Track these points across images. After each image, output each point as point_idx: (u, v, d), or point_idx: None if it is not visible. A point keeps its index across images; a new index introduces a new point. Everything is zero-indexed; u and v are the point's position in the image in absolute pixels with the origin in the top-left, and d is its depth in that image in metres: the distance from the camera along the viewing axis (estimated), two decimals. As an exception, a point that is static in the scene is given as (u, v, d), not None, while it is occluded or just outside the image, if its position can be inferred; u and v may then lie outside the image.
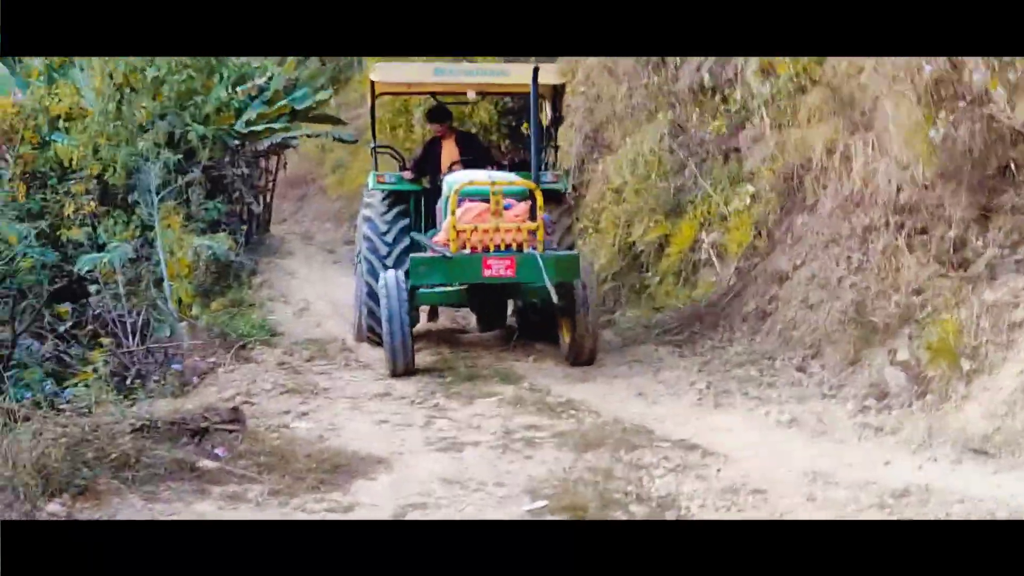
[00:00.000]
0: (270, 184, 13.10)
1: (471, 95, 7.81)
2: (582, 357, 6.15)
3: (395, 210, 6.89)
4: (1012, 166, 3.79)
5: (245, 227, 11.64)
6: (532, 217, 6.04)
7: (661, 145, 8.22)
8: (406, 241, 6.62)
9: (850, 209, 4.92)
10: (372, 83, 7.13)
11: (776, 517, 2.82)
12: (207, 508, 2.92)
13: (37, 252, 7.40)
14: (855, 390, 4.10)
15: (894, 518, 2.68)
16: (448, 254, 5.89)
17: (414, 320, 6.36)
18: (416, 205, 6.98)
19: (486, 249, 5.93)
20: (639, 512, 2.97)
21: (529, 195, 6.13)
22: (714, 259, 6.98)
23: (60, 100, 9.27)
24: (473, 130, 9.70)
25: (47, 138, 9.13)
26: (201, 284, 8.95)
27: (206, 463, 3.36)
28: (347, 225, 12.99)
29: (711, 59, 7.86)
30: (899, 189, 4.34)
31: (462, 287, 6.19)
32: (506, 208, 6.09)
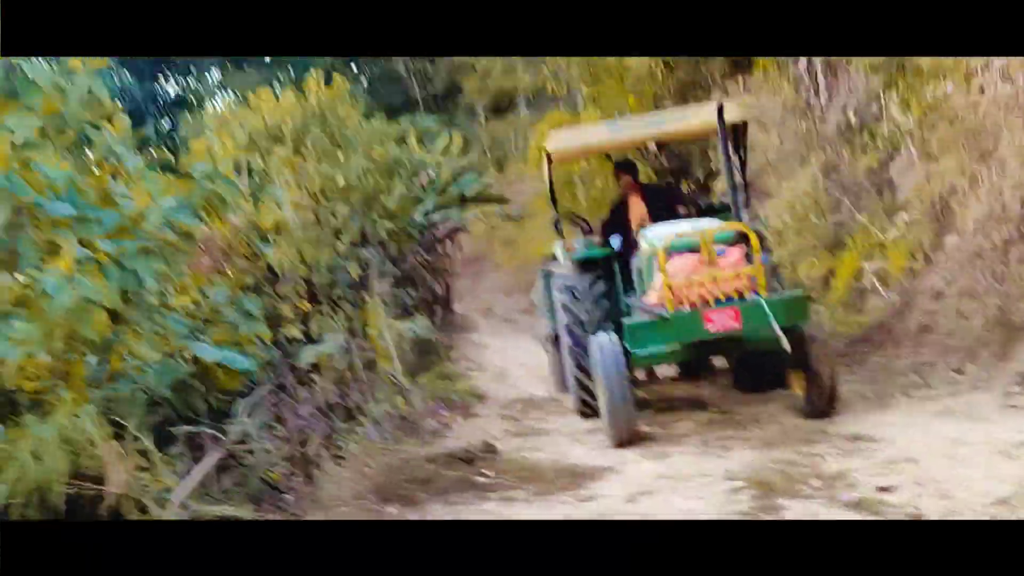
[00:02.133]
0: (449, 267, 14.97)
1: (651, 146, 7.98)
2: (822, 407, 5.73)
3: (589, 276, 6.77)
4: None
5: (434, 308, 13.45)
6: (748, 261, 5.80)
7: (816, 186, 9.25)
8: (606, 305, 6.54)
9: (990, 227, 5.90)
10: (547, 154, 7.01)
11: (922, 480, 3.90)
12: (491, 507, 4.39)
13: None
14: (1003, 381, 5.07)
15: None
16: (665, 314, 5.69)
17: (634, 386, 6.12)
18: (608, 271, 6.86)
19: (705, 302, 5.72)
20: (816, 484, 4.14)
21: (741, 238, 5.94)
22: (877, 285, 7.90)
23: (264, 216, 11.24)
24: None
25: (258, 251, 11.08)
26: (407, 364, 10.68)
27: (479, 479, 4.87)
28: (521, 295, 14.59)
29: (855, 98, 8.89)
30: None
31: (681, 346, 5.96)
32: (719, 255, 5.86)
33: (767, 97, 10.17)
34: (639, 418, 5.90)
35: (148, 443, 4.30)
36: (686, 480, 4.53)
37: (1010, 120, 5.47)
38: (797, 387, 5.98)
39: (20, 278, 4.85)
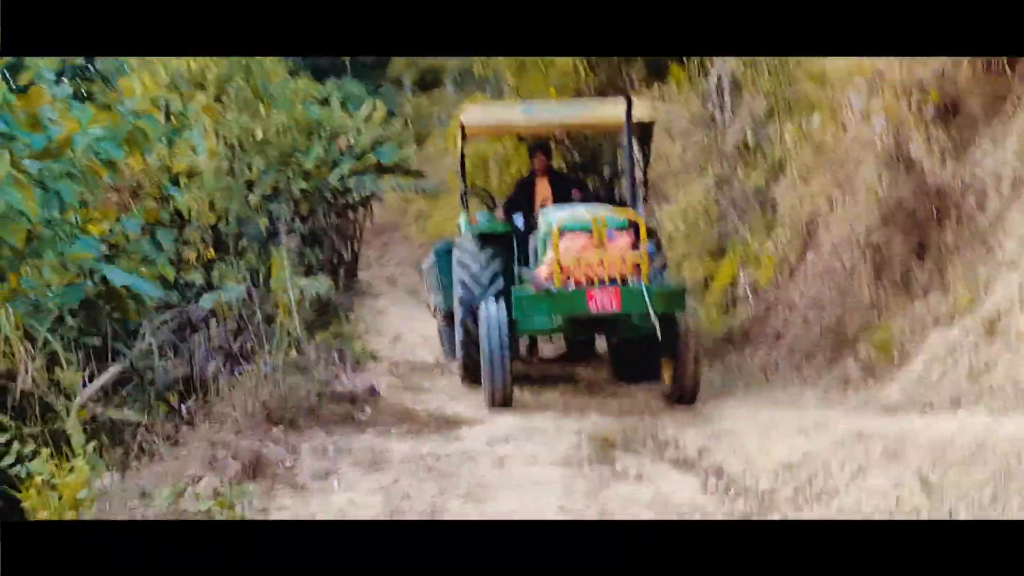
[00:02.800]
0: (358, 233, 15.42)
1: (562, 137, 8.50)
2: (685, 394, 6.36)
3: (488, 251, 7.20)
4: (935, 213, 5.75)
5: (339, 271, 13.93)
6: (635, 249, 6.30)
7: (708, 196, 10.20)
8: (500, 283, 6.92)
9: (842, 248, 6.89)
10: (461, 125, 7.46)
11: (735, 447, 4.75)
12: (368, 439, 5.07)
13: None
14: (827, 379, 6.05)
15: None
16: (552, 288, 6.20)
17: (514, 353, 6.64)
18: (507, 246, 7.29)
19: (590, 282, 6.19)
20: (650, 445, 4.96)
21: (631, 226, 6.43)
22: (748, 292, 8.87)
23: (178, 160, 11.48)
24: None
25: (168, 192, 11.36)
26: (305, 320, 11.16)
27: (360, 415, 5.54)
28: (428, 270, 15.20)
29: (750, 119, 9.83)
30: (867, 232, 6.32)
31: (563, 320, 6.51)
32: (608, 239, 6.35)
33: (678, 107, 11.06)
34: (515, 385, 6.38)
35: (58, 347, 4.79)
36: (541, 432, 5.30)
37: (866, 155, 6.43)
38: (666, 375, 6.56)
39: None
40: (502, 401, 6.34)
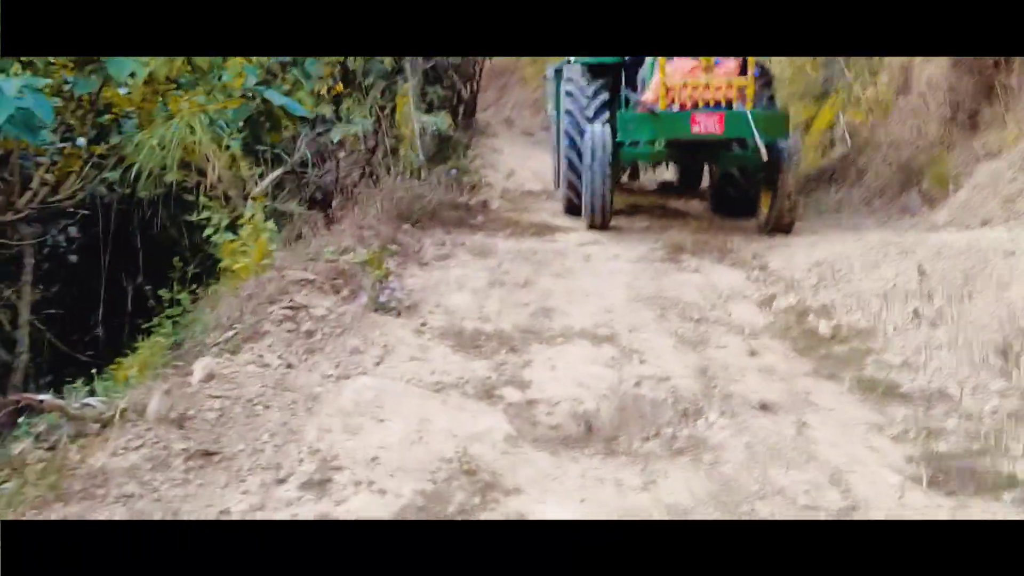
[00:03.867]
0: (478, 74, 16.45)
1: None
2: (782, 222, 6.67)
3: (596, 83, 7.42)
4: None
5: (459, 110, 15.09)
6: (743, 74, 6.53)
7: (817, 39, 10.76)
8: (606, 115, 7.15)
9: (927, 92, 7.60)
10: None
11: (785, 260, 5.80)
12: (479, 237, 6.38)
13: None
14: (891, 209, 6.97)
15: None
16: (656, 109, 6.49)
17: (616, 178, 7.06)
18: (615, 75, 7.48)
19: (695, 105, 6.46)
20: (714, 252, 6.08)
21: None
22: (846, 135, 9.60)
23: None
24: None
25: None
26: (427, 153, 12.48)
27: (474, 221, 6.87)
28: (543, 113, 16.20)
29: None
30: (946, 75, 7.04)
31: (665, 145, 6.84)
32: (716, 65, 6.57)
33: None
34: (612, 211, 6.82)
35: (238, 149, 6.26)
36: (627, 239, 6.50)
37: None
38: (764, 205, 6.88)
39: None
40: (600, 223, 6.83)
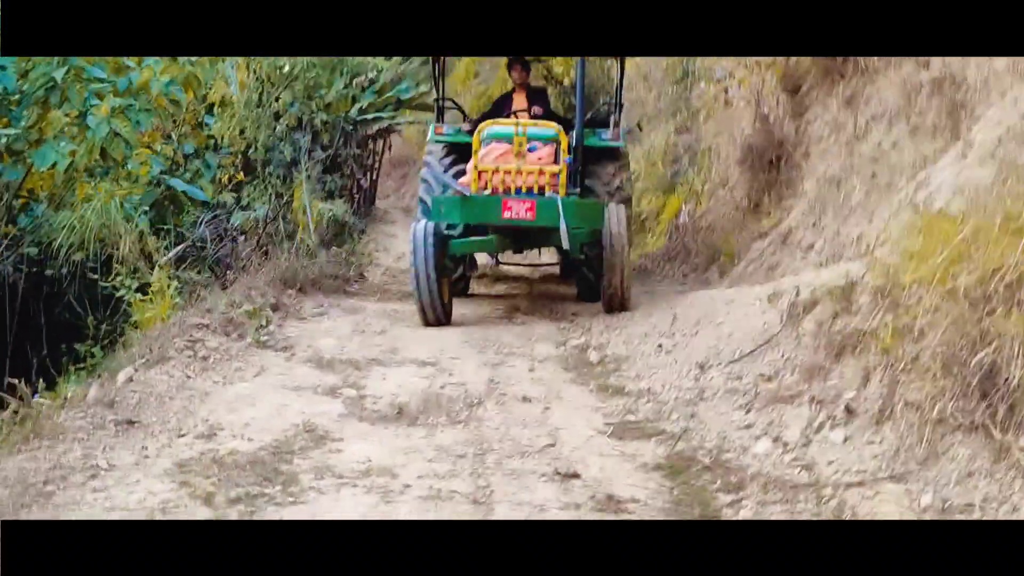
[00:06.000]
0: (377, 163, 18.46)
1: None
2: (612, 305, 7.30)
3: (450, 159, 8.10)
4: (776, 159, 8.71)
5: (357, 198, 16.99)
6: (556, 161, 7.02)
7: (668, 141, 13.15)
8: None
9: (736, 186, 9.86)
10: None
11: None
12: (353, 302, 8.25)
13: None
14: (697, 279, 9.09)
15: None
16: (468, 193, 6.95)
17: (446, 269, 7.28)
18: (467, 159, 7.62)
19: (507, 191, 6.94)
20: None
21: (556, 139, 7.16)
22: (688, 222, 11.84)
23: (214, 92, 14.39)
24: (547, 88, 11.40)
25: (203, 121, 14.34)
26: (324, 238, 14.28)
27: (350, 288, 8.77)
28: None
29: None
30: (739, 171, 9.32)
31: (494, 234, 7.32)
32: (531, 151, 7.09)
33: (659, 60, 13.96)
34: (449, 307, 7.33)
35: (146, 227, 8.07)
36: (477, 304, 8.44)
37: (745, 113, 9.37)
38: (603, 285, 7.45)
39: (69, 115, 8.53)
40: (435, 320, 7.19)
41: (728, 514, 3.93)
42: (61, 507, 3.70)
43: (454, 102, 10.05)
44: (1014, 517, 3.55)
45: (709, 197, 11.13)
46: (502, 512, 3.82)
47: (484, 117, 8.46)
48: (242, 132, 13.29)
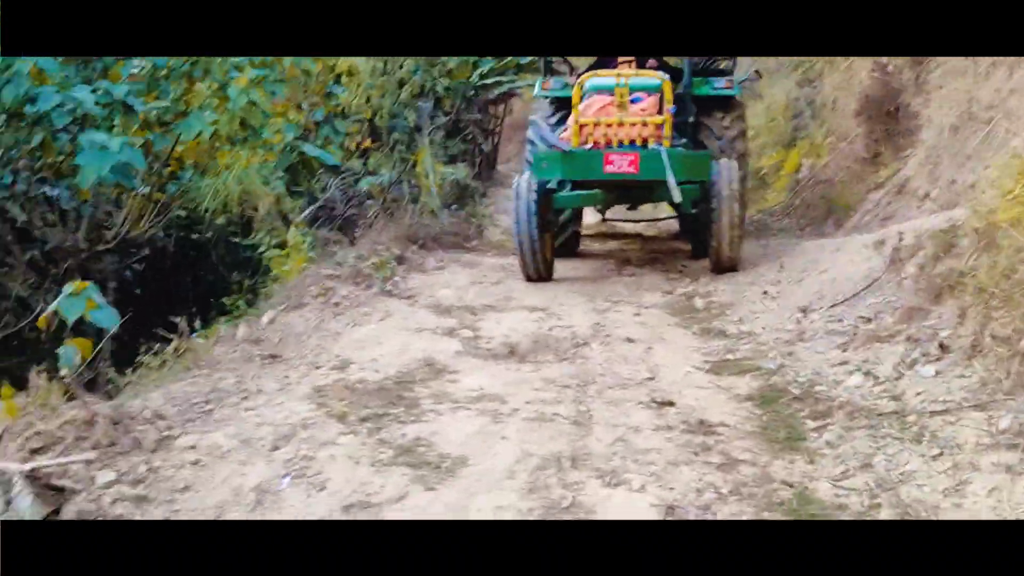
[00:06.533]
0: (498, 128, 19.00)
1: None
2: (720, 265, 7.24)
3: (559, 115, 8.00)
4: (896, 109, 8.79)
5: (479, 162, 17.60)
6: (661, 113, 6.84)
7: (788, 96, 13.21)
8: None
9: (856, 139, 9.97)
10: None
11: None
12: (471, 257, 8.82)
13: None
14: (813, 231, 9.28)
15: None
16: (567, 149, 6.79)
17: (549, 224, 7.29)
18: None
19: (609, 144, 6.80)
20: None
21: (659, 89, 7.01)
22: (808, 177, 11.95)
23: (340, 62, 15.11)
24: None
25: (330, 90, 15.10)
26: (446, 200, 14.94)
27: (468, 245, 9.34)
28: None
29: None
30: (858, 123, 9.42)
31: (601, 188, 7.22)
32: (634, 102, 6.94)
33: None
34: (551, 261, 7.41)
35: (282, 189, 8.83)
36: (588, 262, 8.87)
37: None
38: (710, 242, 7.39)
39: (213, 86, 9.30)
40: (536, 275, 7.27)
41: (813, 437, 4.28)
42: (220, 422, 4.38)
43: (565, 59, 9.76)
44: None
45: (829, 151, 11.19)
46: (600, 434, 4.28)
47: (592, 67, 8.34)
48: (368, 100, 14.03)
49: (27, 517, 3.43)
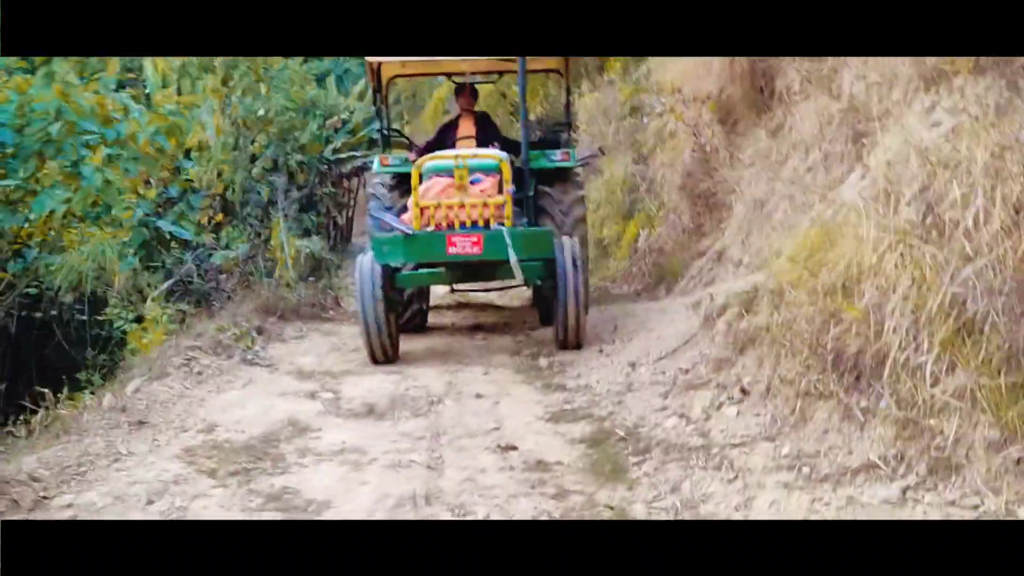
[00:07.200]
0: (352, 201, 19.62)
1: (471, 75, 9.12)
2: (567, 342, 7.42)
3: (398, 192, 8.17)
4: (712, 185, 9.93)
5: (333, 235, 18.09)
6: (501, 193, 6.97)
7: (626, 171, 14.36)
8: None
9: (680, 210, 11.07)
10: (376, 67, 8.34)
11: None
12: (329, 326, 9.38)
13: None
14: (648, 295, 10.26)
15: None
16: (410, 231, 6.83)
17: (393, 304, 7.35)
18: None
19: (451, 226, 6.88)
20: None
21: (498, 169, 7.15)
22: (644, 246, 13.02)
23: (191, 136, 15.52)
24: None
25: (179, 165, 15.43)
26: (301, 273, 15.37)
27: (326, 315, 9.90)
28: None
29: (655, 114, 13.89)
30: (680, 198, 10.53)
31: (445, 267, 7.32)
32: (474, 183, 7.03)
33: (612, 93, 15.20)
34: (396, 344, 7.50)
35: (137, 265, 9.19)
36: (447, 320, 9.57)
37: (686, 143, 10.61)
38: (556, 319, 7.60)
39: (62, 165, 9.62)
40: (382, 358, 7.35)
41: (634, 470, 5.04)
42: (93, 482, 4.80)
43: (400, 131, 10.37)
44: (853, 463, 4.67)
45: (662, 222, 12.32)
46: (450, 475, 4.92)
47: (428, 146, 8.68)
48: (220, 175, 14.43)
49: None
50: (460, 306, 11.25)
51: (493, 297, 11.58)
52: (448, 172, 7.31)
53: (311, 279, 13.32)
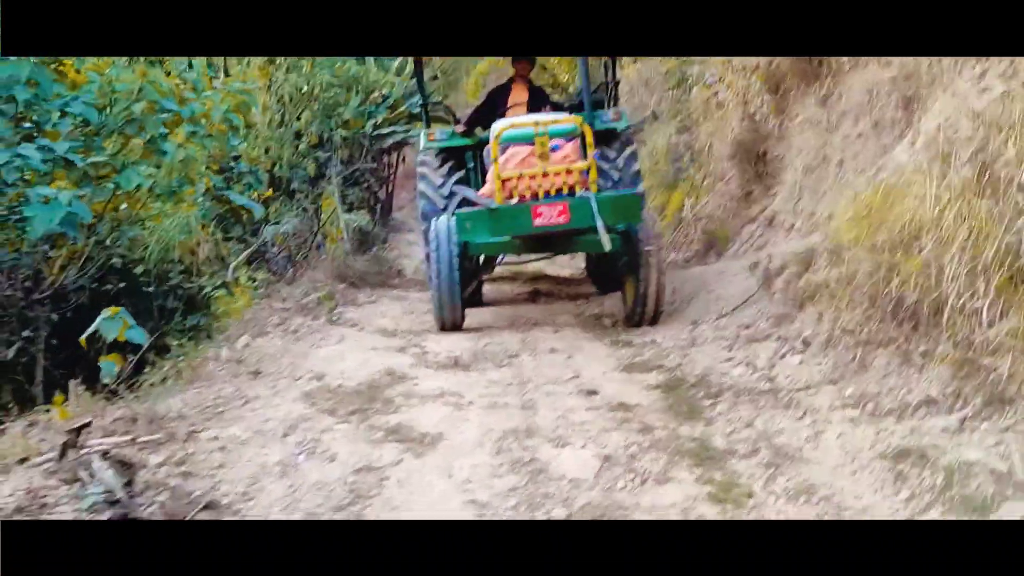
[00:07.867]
0: (392, 176, 20.27)
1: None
2: (644, 319, 7.31)
3: (447, 165, 8.16)
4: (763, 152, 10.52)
5: (376, 209, 18.77)
6: (584, 157, 6.77)
7: (669, 140, 14.93)
8: (459, 198, 7.65)
9: (733, 175, 11.68)
10: None
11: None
12: (398, 292, 10.09)
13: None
14: (694, 259, 10.89)
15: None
16: (493, 206, 6.77)
17: (468, 272, 7.40)
18: (475, 158, 8.15)
19: (535, 196, 6.75)
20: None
21: (578, 133, 6.88)
22: (689, 215, 13.63)
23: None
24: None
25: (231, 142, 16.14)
26: (351, 245, 16.06)
27: (392, 282, 10.60)
28: (455, 208, 20.15)
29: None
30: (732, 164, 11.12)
31: (515, 237, 7.20)
32: (553, 150, 6.80)
33: (653, 64, 15.75)
34: (463, 311, 7.69)
35: (218, 235, 9.92)
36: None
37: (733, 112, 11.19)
38: (628, 294, 7.59)
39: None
40: (450, 324, 7.51)
41: (709, 411, 5.68)
42: (232, 420, 5.51)
43: (440, 103, 10.43)
44: (914, 399, 5.29)
45: (708, 191, 12.91)
46: (543, 414, 5.59)
47: (477, 112, 8.63)
48: (267, 151, 15.11)
49: (110, 487, 4.47)
50: (512, 278, 11.92)
51: (542, 266, 12.23)
52: (528, 140, 7.14)
53: (375, 249, 14.00)
